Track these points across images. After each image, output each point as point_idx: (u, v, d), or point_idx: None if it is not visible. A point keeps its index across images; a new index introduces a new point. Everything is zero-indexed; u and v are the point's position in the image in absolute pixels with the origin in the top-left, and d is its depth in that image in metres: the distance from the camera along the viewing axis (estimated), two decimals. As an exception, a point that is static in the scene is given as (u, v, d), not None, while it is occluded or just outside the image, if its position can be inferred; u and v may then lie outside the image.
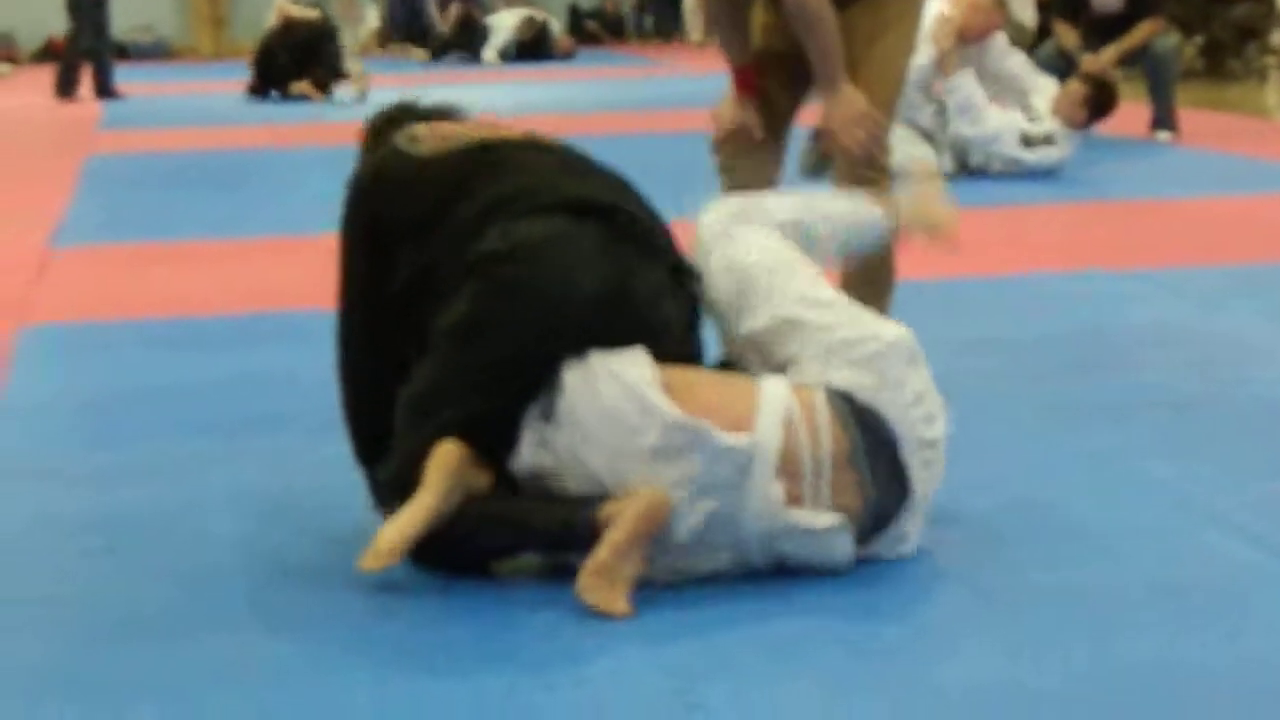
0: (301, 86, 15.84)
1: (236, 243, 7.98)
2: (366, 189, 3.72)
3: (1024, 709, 2.91)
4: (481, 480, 3.43)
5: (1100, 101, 9.76)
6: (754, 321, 3.65)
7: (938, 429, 3.57)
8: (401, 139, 3.73)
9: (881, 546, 3.52)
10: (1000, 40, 9.93)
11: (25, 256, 7.66)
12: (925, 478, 3.54)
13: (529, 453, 3.44)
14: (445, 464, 3.39)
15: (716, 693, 2.97)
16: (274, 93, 15.95)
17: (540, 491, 3.47)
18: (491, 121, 3.87)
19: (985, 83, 9.67)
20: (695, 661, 3.10)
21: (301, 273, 6.93)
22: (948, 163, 9.54)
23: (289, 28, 16.21)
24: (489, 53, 21.10)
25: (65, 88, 16.43)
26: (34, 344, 5.85)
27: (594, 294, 3.45)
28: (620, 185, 3.72)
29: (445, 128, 3.77)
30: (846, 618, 3.29)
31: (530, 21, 21.50)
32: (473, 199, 3.57)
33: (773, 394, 3.46)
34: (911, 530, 3.55)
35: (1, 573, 3.68)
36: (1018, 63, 9.98)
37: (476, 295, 3.45)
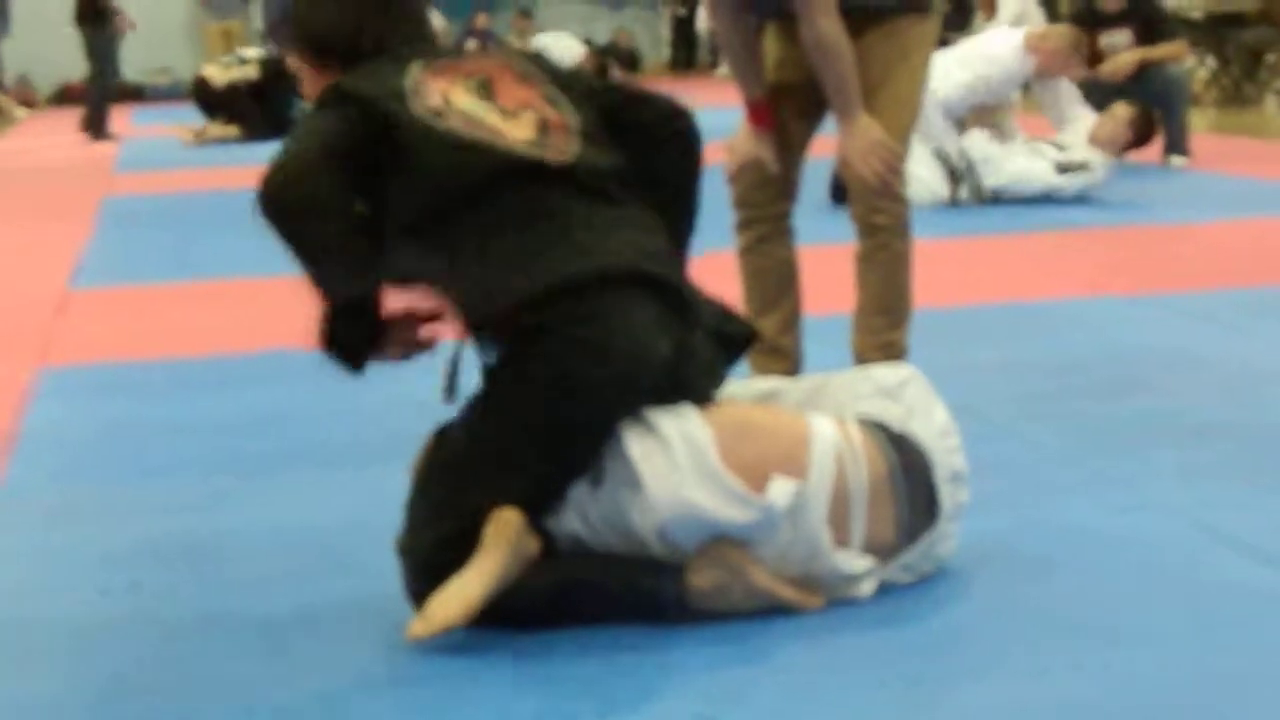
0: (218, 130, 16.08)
1: (255, 281, 7.99)
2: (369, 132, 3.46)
3: (1049, 732, 2.92)
4: (533, 546, 3.35)
5: (1144, 124, 9.89)
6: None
7: (963, 462, 3.60)
8: (418, 108, 3.49)
9: (910, 558, 3.54)
10: (1065, 83, 10.06)
11: (45, 297, 7.69)
12: (952, 507, 3.57)
13: (567, 520, 3.41)
14: (506, 530, 3.31)
15: (741, 718, 2.98)
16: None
17: (580, 550, 3.43)
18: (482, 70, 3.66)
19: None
20: (720, 687, 3.10)
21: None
22: (964, 193, 9.57)
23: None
24: None
25: (96, 128, 16.60)
26: (55, 383, 5.87)
27: (665, 356, 3.38)
28: (647, 233, 3.59)
29: (457, 104, 3.54)
30: (869, 642, 3.29)
31: (593, 55, 21.61)
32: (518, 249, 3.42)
33: (822, 434, 3.46)
34: (941, 550, 3.58)
35: (24, 610, 3.69)
36: (1069, 95, 10.13)
37: (552, 355, 3.32)
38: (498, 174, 3.48)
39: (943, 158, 9.55)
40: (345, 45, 3.65)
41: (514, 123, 3.57)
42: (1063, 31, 10.16)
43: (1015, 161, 9.64)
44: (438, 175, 3.46)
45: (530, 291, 3.36)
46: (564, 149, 3.56)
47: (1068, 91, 10.24)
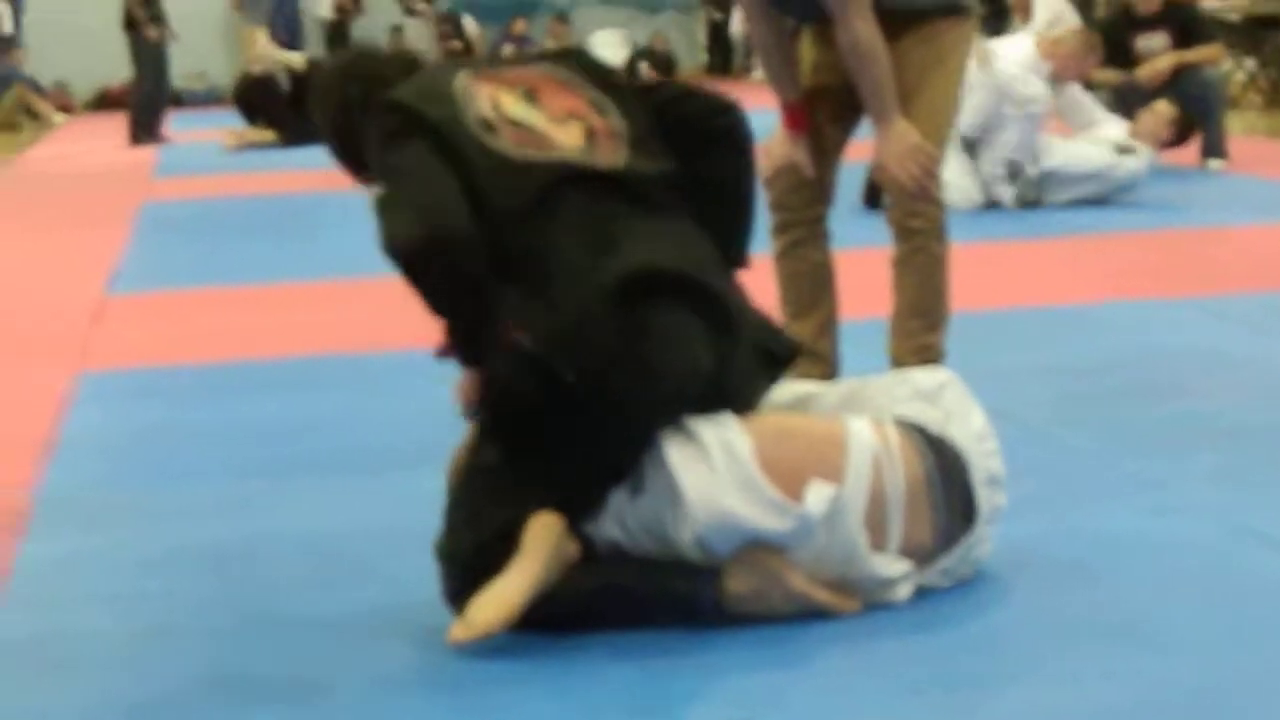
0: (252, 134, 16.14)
1: (291, 286, 8.03)
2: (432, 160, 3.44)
3: (1085, 737, 2.91)
4: (573, 550, 3.37)
5: (1183, 125, 9.94)
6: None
7: (1000, 465, 3.59)
8: (471, 121, 3.49)
9: (948, 562, 3.53)
10: (1078, 88, 10.09)
11: (84, 302, 7.72)
12: (990, 511, 3.56)
13: (605, 526, 3.42)
14: (546, 534, 3.32)
15: (777, 724, 2.98)
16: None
17: (618, 554, 3.45)
18: (524, 80, 3.66)
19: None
20: (757, 690, 3.11)
21: (356, 316, 6.97)
22: (1010, 196, 9.55)
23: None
24: None
25: (138, 133, 16.75)
26: (92, 389, 5.89)
27: (708, 370, 3.40)
28: (695, 245, 3.59)
29: (506, 111, 3.56)
30: (906, 646, 3.29)
31: (630, 65, 21.59)
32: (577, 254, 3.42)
33: (859, 438, 3.46)
34: (977, 553, 3.57)
35: (58, 615, 3.71)
36: (1088, 101, 10.14)
37: (597, 370, 3.34)
38: (547, 188, 3.46)
39: (1012, 168, 9.55)
40: (355, 149, 3.66)
41: (562, 129, 3.57)
42: (1075, 33, 10.18)
43: (1070, 144, 9.67)
44: (490, 199, 3.42)
45: (579, 313, 3.35)
46: (612, 156, 3.55)
47: (1083, 97, 10.25)
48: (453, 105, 3.52)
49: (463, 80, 3.59)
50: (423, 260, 3.31)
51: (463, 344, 3.48)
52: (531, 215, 3.44)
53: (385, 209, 3.37)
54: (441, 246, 3.31)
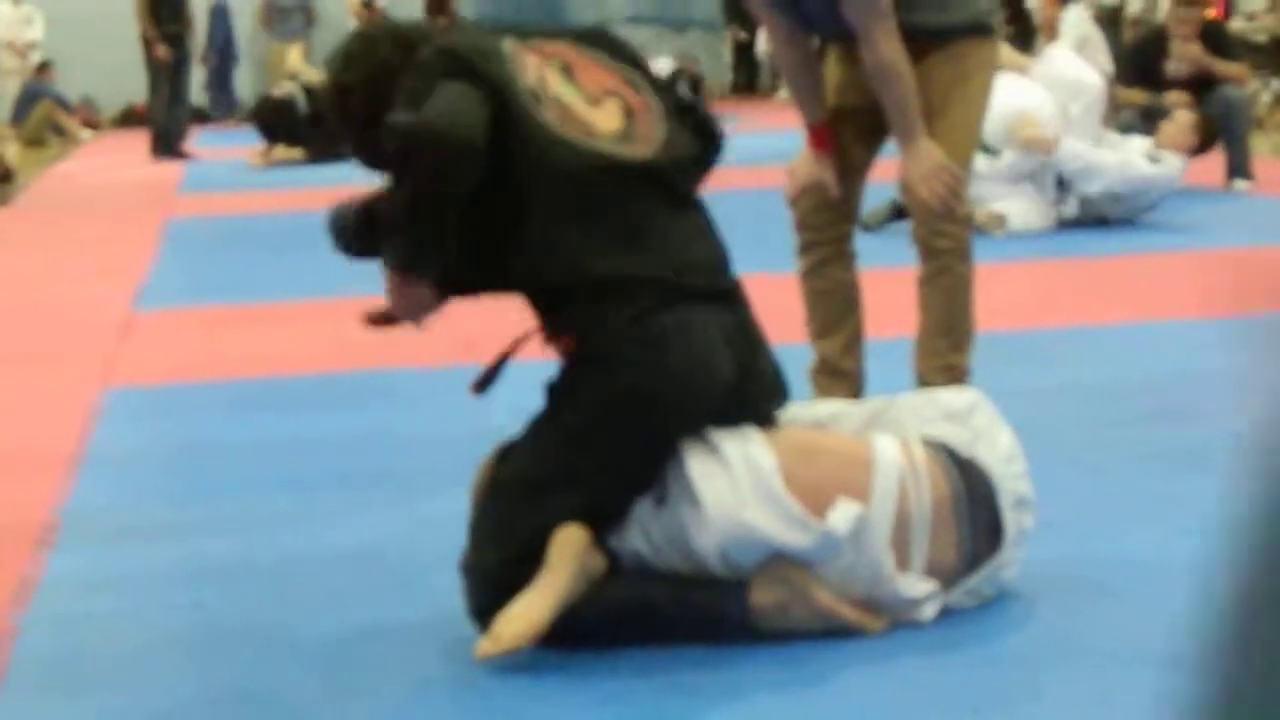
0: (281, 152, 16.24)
1: (316, 303, 8.04)
2: (472, 137, 3.34)
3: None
4: (599, 563, 3.38)
5: (1206, 130, 9.93)
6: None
7: (1028, 488, 3.59)
8: (522, 88, 3.46)
9: (973, 583, 3.53)
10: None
11: (110, 318, 7.75)
12: (1017, 533, 3.55)
13: (630, 538, 3.43)
14: (571, 548, 3.33)
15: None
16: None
17: (644, 568, 3.45)
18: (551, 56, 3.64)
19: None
20: (781, 708, 3.11)
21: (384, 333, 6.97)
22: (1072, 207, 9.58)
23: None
24: None
25: (156, 148, 16.88)
26: (119, 404, 5.91)
27: (726, 378, 3.43)
28: (719, 244, 3.62)
29: (550, 87, 3.54)
30: (930, 666, 3.29)
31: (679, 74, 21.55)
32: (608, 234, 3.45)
33: (886, 458, 3.47)
34: (1004, 574, 3.57)
35: (87, 629, 3.72)
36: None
37: (611, 373, 3.38)
38: (582, 177, 3.46)
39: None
40: (371, 118, 3.53)
41: (600, 112, 3.56)
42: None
43: (1106, 160, 9.69)
44: (527, 155, 3.43)
45: (603, 275, 3.38)
46: (650, 136, 3.56)
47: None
48: (504, 65, 3.49)
49: (510, 44, 3.56)
50: (424, 146, 3.29)
51: (414, 251, 3.45)
52: (563, 196, 3.44)
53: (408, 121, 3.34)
54: (448, 144, 3.28)
